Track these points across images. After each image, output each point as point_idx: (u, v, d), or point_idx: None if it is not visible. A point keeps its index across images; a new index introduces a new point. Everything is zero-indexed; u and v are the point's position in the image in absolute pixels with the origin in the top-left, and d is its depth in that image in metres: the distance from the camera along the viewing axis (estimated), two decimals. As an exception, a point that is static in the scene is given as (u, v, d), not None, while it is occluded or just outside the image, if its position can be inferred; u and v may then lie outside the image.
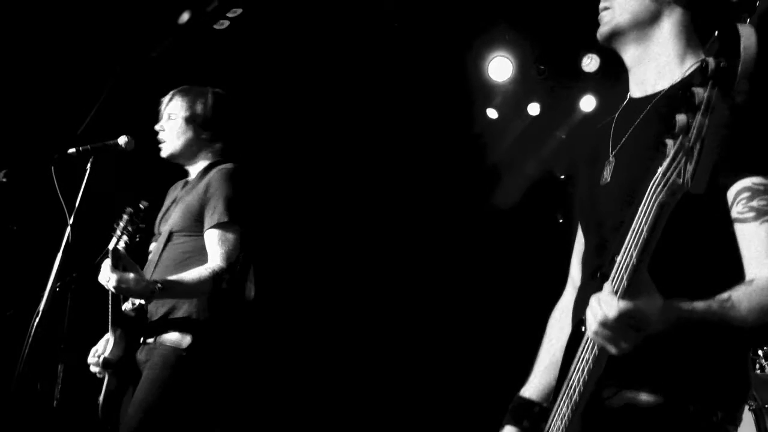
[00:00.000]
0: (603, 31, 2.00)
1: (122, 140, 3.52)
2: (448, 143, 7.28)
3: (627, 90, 2.05)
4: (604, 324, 1.55)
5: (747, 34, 1.36)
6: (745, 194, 1.71)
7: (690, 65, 1.90)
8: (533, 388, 2.11)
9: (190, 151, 3.55)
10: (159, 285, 3.09)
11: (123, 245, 3.10)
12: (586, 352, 1.68)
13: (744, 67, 1.36)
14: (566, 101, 6.97)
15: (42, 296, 3.17)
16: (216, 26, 5.66)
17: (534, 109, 7.06)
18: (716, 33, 1.43)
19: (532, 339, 2.25)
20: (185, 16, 5.62)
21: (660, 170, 1.50)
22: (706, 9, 1.98)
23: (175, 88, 3.63)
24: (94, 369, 3.30)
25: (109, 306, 3.23)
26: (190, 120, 3.51)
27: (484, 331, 7.27)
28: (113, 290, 3.04)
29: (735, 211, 1.73)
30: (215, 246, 3.26)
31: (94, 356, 3.29)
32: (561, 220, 7.35)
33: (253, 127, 5.82)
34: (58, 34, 5.32)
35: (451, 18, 5.98)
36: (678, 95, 1.74)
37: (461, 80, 6.82)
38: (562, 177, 7.39)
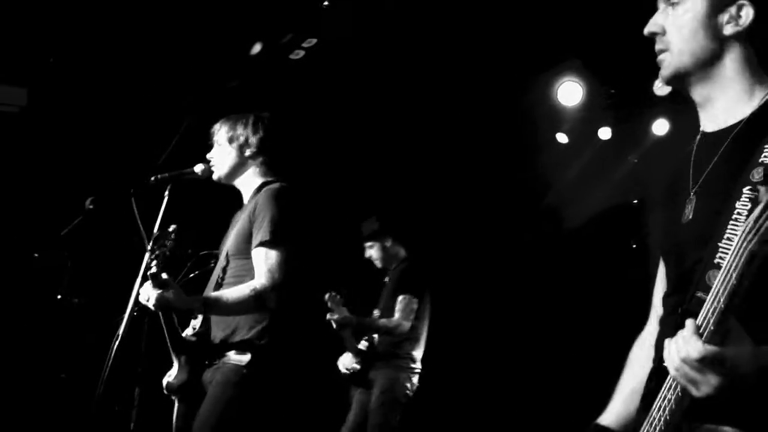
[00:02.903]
0: (664, 75, 1.95)
1: (198, 168, 3.65)
2: (518, 170, 7.24)
3: (698, 119, 2.01)
4: (685, 360, 1.54)
5: None
6: None
7: (760, 97, 1.86)
8: (612, 417, 2.07)
9: (237, 171, 3.66)
10: (199, 301, 3.26)
11: (155, 269, 3.15)
12: (670, 391, 1.66)
13: None
14: (638, 125, 6.86)
15: (121, 320, 3.25)
16: (292, 56, 5.82)
17: (605, 133, 6.97)
18: None
19: (606, 365, 2.22)
20: (257, 48, 5.78)
21: (752, 217, 1.50)
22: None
23: (252, 115, 3.75)
24: (166, 393, 3.45)
25: (166, 335, 3.35)
26: (232, 140, 3.64)
27: (556, 359, 7.17)
28: (153, 307, 3.15)
29: None
30: (259, 264, 3.35)
31: (164, 381, 3.45)
32: (635, 246, 7.21)
33: (313, 148, 5.91)
34: (139, 69, 5.54)
35: (521, 43, 5.98)
36: (751, 132, 1.74)
37: (531, 105, 6.80)
38: (636, 202, 7.24)
